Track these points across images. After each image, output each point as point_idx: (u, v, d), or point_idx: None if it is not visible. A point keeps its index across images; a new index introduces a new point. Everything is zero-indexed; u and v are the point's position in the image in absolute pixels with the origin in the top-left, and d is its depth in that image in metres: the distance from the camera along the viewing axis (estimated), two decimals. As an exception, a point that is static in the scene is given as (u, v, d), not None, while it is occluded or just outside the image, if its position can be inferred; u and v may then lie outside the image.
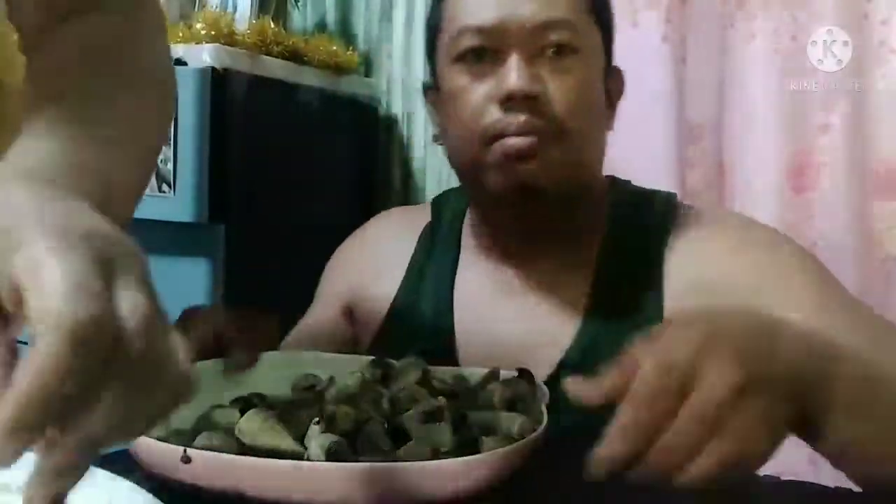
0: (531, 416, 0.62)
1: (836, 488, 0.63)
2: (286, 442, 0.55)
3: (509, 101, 0.78)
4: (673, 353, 0.51)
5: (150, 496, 0.47)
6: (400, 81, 2.07)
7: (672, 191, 0.92)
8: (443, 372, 0.70)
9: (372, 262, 0.97)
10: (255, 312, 0.78)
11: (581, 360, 0.79)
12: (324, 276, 1.02)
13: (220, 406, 0.62)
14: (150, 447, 0.53)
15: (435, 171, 2.03)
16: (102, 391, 0.34)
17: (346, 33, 2.11)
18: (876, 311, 0.79)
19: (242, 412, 0.59)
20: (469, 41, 0.80)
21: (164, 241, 1.59)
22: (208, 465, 0.50)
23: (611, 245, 0.85)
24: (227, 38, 1.66)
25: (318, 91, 1.84)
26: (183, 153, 1.60)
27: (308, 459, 0.53)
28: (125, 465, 0.50)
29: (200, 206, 1.60)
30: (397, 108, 2.07)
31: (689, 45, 1.63)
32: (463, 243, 0.92)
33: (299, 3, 2.05)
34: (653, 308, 0.80)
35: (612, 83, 0.87)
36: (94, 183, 0.50)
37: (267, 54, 1.73)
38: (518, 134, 0.78)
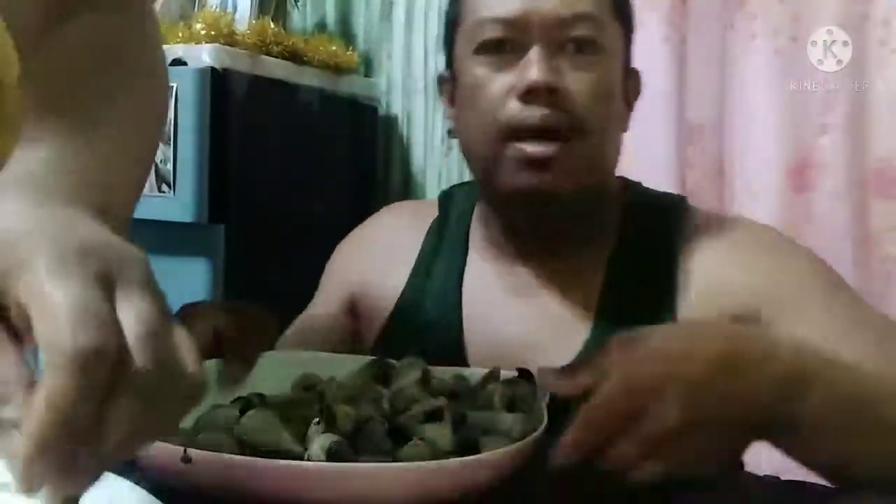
0: (531, 416, 0.62)
1: (836, 489, 0.63)
2: (286, 442, 0.55)
3: (529, 95, 0.76)
4: (639, 376, 0.57)
5: (150, 496, 0.47)
6: (400, 81, 2.07)
7: (674, 192, 0.91)
8: (442, 372, 0.70)
9: (377, 256, 0.95)
10: (253, 311, 0.77)
11: None
12: (327, 269, 1.01)
13: (220, 406, 0.62)
14: (151, 447, 0.53)
15: (435, 171, 2.03)
16: (112, 407, 0.35)
17: (346, 33, 2.11)
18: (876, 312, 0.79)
19: (243, 412, 0.59)
20: (491, 32, 0.79)
21: (164, 241, 1.59)
22: (208, 465, 0.50)
23: (623, 247, 0.84)
24: (227, 38, 1.66)
25: (318, 91, 1.85)
26: (183, 153, 1.60)
27: (308, 459, 0.53)
28: (125, 465, 0.50)
29: (200, 206, 1.60)
30: (397, 108, 2.08)
31: (690, 46, 1.63)
32: (471, 241, 0.91)
33: (299, 3, 2.05)
34: (665, 311, 0.79)
35: (631, 84, 0.86)
36: (94, 187, 0.50)
37: (267, 54, 1.73)
38: (538, 130, 0.77)
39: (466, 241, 0.91)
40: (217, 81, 1.60)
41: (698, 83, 1.62)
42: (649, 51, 1.58)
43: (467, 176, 0.92)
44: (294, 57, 1.79)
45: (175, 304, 0.70)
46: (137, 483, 0.48)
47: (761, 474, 0.69)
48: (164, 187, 1.60)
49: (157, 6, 1.83)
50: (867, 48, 1.45)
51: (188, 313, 0.70)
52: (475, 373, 0.72)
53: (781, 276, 0.77)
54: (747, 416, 0.58)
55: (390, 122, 2.08)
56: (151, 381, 0.35)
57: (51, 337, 0.34)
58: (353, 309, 0.95)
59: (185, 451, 0.50)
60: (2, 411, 0.34)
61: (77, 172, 0.49)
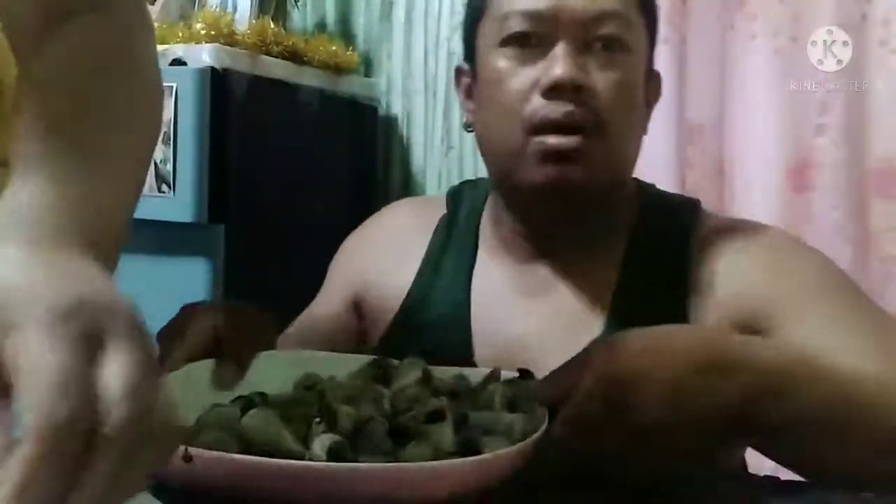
0: (532, 416, 0.62)
1: (836, 489, 0.63)
2: (287, 441, 0.55)
3: (553, 91, 0.76)
4: (618, 371, 0.59)
5: (150, 496, 0.47)
6: (400, 81, 2.07)
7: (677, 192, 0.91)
8: (443, 372, 0.70)
9: (382, 255, 0.94)
10: (253, 311, 0.77)
11: None
12: (332, 266, 1.00)
13: (220, 405, 0.62)
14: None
15: (435, 171, 2.03)
16: (89, 469, 0.36)
17: (346, 33, 2.12)
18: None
19: (244, 411, 0.59)
20: (517, 25, 0.79)
21: (164, 241, 1.59)
22: (209, 465, 0.50)
23: (637, 248, 0.83)
24: (227, 38, 1.66)
25: (318, 91, 1.85)
26: (183, 153, 1.60)
27: (309, 459, 0.53)
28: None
29: (200, 207, 1.60)
30: (397, 108, 2.08)
31: (690, 46, 1.63)
32: (481, 239, 0.90)
33: (299, 3, 2.05)
34: (677, 312, 0.78)
35: (652, 86, 0.86)
36: (85, 222, 0.50)
37: (267, 54, 1.73)
38: (561, 126, 0.76)
39: (476, 239, 0.90)
40: (217, 81, 1.60)
41: (698, 83, 1.62)
42: (649, 51, 1.58)
43: (467, 176, 0.91)
44: (294, 57, 1.79)
45: (175, 304, 0.71)
46: (138, 483, 0.48)
47: (761, 474, 0.69)
48: (164, 187, 1.60)
49: (157, 6, 1.83)
50: (867, 48, 1.45)
51: (188, 313, 0.70)
52: (476, 373, 0.72)
53: (793, 279, 0.77)
54: (722, 418, 0.59)
55: (390, 122, 2.08)
56: (129, 440, 0.37)
57: (29, 403, 0.35)
58: (358, 308, 0.94)
59: (185, 449, 0.50)
60: None
61: (71, 203, 0.50)
